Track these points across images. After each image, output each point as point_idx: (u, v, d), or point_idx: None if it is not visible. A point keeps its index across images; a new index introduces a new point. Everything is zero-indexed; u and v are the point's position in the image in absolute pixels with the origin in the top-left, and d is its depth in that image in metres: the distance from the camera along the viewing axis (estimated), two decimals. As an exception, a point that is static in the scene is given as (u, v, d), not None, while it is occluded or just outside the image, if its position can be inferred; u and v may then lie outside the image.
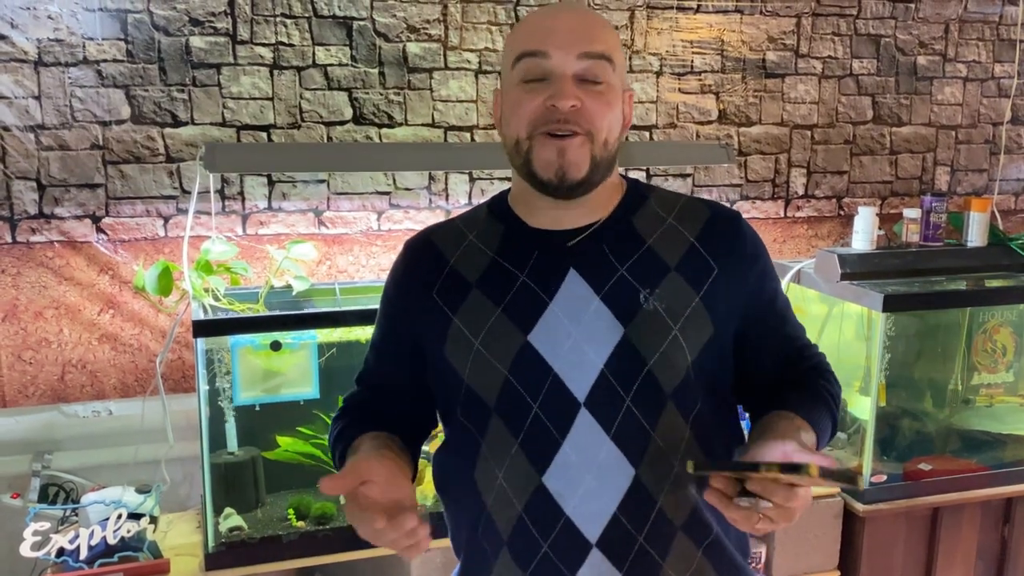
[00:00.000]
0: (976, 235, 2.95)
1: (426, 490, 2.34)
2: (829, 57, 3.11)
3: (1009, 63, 3.34)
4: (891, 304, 2.58)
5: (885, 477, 2.69)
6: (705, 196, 2.71)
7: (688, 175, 3.00)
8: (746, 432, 1.30)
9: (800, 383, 1.32)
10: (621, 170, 1.37)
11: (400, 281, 1.37)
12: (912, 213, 2.95)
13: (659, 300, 1.22)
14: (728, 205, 1.83)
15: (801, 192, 3.17)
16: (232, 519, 2.25)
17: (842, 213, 3.22)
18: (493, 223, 1.33)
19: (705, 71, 2.97)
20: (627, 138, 2.79)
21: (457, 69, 2.72)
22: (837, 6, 3.09)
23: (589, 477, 1.21)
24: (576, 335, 1.21)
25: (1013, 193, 3.48)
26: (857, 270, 2.75)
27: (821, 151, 3.17)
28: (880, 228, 2.93)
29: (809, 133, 3.14)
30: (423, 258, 1.34)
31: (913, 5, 3.19)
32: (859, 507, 2.65)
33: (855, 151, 3.21)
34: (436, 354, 1.29)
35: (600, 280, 1.23)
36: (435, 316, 1.29)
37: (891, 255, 2.84)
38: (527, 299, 1.24)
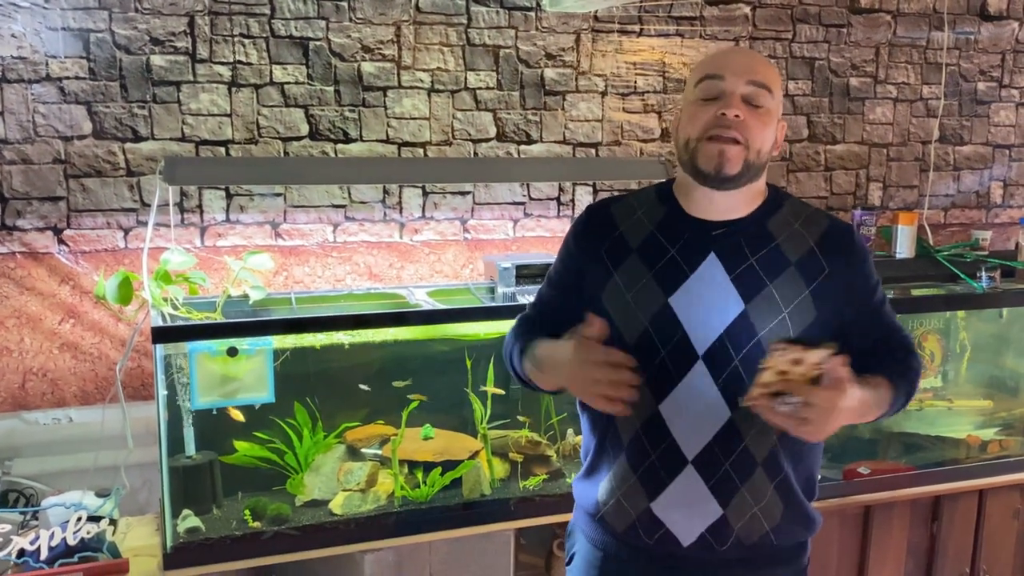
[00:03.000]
0: (904, 247, 3.11)
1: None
2: (766, 78, 3.27)
3: (936, 85, 3.53)
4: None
5: (819, 477, 2.82)
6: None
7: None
8: None
9: (891, 357, 1.62)
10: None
11: (579, 235, 1.70)
12: (844, 226, 3.10)
13: (776, 288, 1.54)
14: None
15: (741, 207, 3.31)
16: (190, 520, 2.32)
17: (780, 227, 3.37)
18: (658, 205, 1.64)
19: (648, 91, 3.11)
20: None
21: (410, 88, 2.83)
22: (773, 30, 3.25)
23: (694, 412, 1.55)
24: (707, 303, 1.54)
25: (942, 208, 3.66)
26: (791, 280, 2.88)
27: (760, 168, 3.32)
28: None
29: (748, 150, 3.29)
30: (600, 222, 1.67)
31: (845, 30, 3.36)
32: (794, 505, 2.77)
33: (792, 168, 3.38)
34: (595, 296, 1.63)
35: (733, 265, 1.55)
36: (601, 268, 1.63)
37: (823, 266, 2.98)
38: (673, 269, 1.57)
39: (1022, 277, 3.16)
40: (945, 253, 3.13)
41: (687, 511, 1.57)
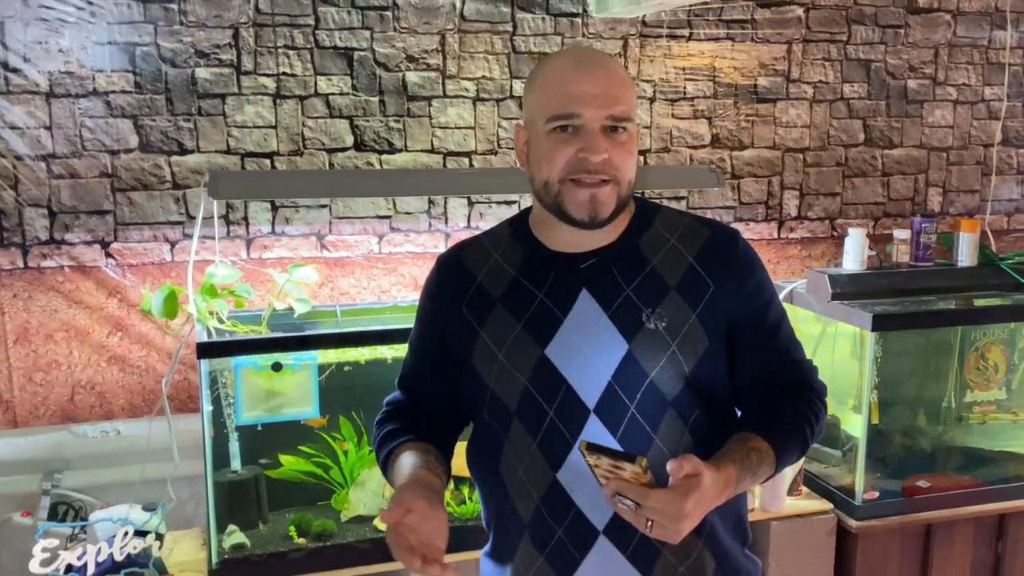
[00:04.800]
0: (966, 255, 3.00)
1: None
2: (820, 82, 3.18)
3: (999, 86, 3.40)
4: (880, 323, 2.63)
5: (877, 494, 2.73)
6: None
7: (683, 198, 3.07)
8: None
9: (776, 401, 1.42)
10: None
11: (434, 294, 1.51)
12: (902, 234, 3.01)
13: (659, 319, 1.36)
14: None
15: (794, 214, 3.23)
16: (235, 536, 2.31)
17: (835, 234, 3.28)
18: (516, 244, 1.46)
19: (697, 97, 3.04)
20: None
21: (455, 97, 2.80)
22: (827, 32, 3.16)
23: None
24: (587, 349, 1.36)
25: (1005, 213, 3.53)
26: (847, 290, 2.80)
27: (813, 173, 3.23)
28: (873, 249, 2.99)
29: (801, 156, 3.21)
30: (454, 274, 1.49)
31: (902, 30, 3.26)
32: (852, 523, 2.69)
33: (847, 173, 3.28)
34: (464, 361, 1.45)
35: (608, 299, 1.37)
36: (464, 327, 1.44)
37: (880, 275, 2.89)
38: (544, 315, 1.38)
39: (1092, 286, 3.03)
40: (1010, 261, 3.01)
41: None
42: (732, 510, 1.45)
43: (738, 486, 1.30)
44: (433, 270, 1.53)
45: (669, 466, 1.19)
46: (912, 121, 3.33)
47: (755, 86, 3.11)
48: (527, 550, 1.42)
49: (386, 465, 1.48)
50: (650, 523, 1.18)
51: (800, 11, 3.12)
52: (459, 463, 2.50)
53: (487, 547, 1.54)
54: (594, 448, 1.19)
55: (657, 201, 1.50)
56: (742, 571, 1.48)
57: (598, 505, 1.35)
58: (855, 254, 2.90)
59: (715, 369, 1.40)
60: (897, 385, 2.97)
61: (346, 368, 2.42)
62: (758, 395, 1.43)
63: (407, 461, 1.40)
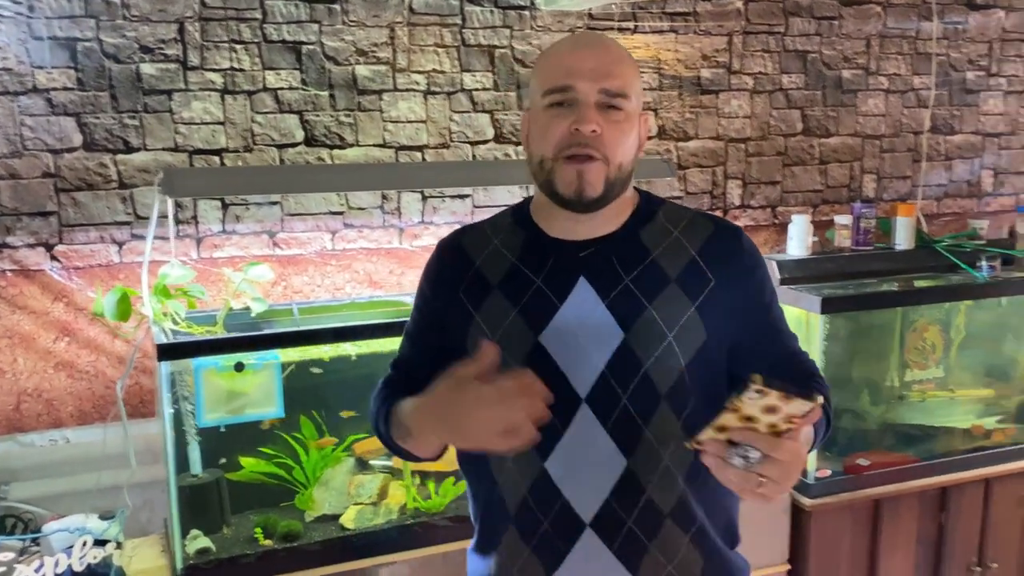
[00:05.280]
0: (903, 239, 3.11)
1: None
2: (760, 73, 3.26)
3: (926, 75, 3.53)
4: (828, 306, 2.71)
5: (829, 472, 2.81)
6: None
7: (631, 189, 3.11)
8: None
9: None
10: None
11: (432, 279, 1.51)
12: (843, 219, 3.10)
13: (657, 310, 1.35)
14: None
15: (738, 203, 3.30)
16: (199, 540, 2.26)
17: (777, 221, 3.36)
18: (516, 230, 1.46)
19: (643, 88, 3.08)
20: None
21: (406, 90, 2.78)
22: (766, 24, 3.24)
23: (586, 465, 1.36)
24: (581, 337, 1.35)
25: (935, 198, 3.67)
26: (794, 275, 2.88)
27: (755, 163, 3.31)
28: (813, 235, 3.07)
29: (743, 146, 3.28)
30: (453, 259, 1.48)
31: (836, 22, 3.35)
32: (806, 502, 2.77)
33: (787, 162, 3.36)
34: (458, 346, 1.42)
35: (606, 288, 1.36)
36: (459, 312, 1.43)
37: (825, 260, 2.98)
38: (541, 302, 1.38)
39: (1021, 265, 3.17)
40: (945, 244, 3.13)
41: None
42: (723, 513, 1.46)
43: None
44: (433, 256, 1.53)
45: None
46: (847, 110, 3.43)
47: (698, 78, 3.16)
48: (513, 541, 1.41)
49: (388, 420, 1.44)
50: (761, 483, 1.12)
51: (740, 3, 3.19)
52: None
53: (473, 541, 1.54)
54: (770, 383, 1.07)
55: (661, 197, 1.51)
56: (733, 572, 1.48)
57: (586, 497, 1.36)
58: (800, 240, 2.98)
59: (712, 364, 1.39)
60: (841, 367, 3.06)
61: (313, 368, 2.39)
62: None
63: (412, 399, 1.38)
